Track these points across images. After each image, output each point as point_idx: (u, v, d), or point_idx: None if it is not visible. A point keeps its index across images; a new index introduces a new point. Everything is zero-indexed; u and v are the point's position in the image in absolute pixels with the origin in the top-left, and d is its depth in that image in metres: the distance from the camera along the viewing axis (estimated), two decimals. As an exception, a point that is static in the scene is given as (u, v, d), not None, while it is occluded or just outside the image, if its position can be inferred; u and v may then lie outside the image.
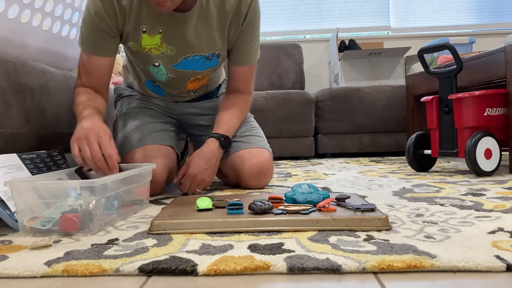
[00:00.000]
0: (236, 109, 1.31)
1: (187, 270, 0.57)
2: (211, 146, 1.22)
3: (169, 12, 1.10)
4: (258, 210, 0.80)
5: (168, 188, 1.37)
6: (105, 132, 0.98)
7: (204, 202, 0.88)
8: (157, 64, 1.23)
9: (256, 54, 1.31)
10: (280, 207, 0.83)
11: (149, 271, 0.57)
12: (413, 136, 1.71)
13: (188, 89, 1.37)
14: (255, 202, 0.82)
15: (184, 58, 1.22)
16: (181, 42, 1.18)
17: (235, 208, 0.82)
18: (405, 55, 2.87)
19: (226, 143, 1.24)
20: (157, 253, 0.64)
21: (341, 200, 0.88)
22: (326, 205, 0.83)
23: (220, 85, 1.51)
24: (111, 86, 1.88)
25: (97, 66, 1.18)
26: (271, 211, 0.82)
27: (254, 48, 1.29)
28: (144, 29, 1.15)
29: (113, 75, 2.25)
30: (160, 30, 1.15)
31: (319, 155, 2.77)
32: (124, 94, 1.45)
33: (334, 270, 0.56)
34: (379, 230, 0.74)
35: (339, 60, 2.85)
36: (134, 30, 1.15)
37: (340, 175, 1.63)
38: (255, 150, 1.29)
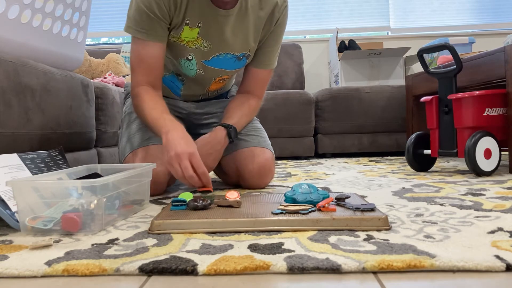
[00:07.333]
0: (246, 108, 1.31)
1: (187, 269, 0.57)
2: (218, 133, 1.22)
3: (212, 8, 1.14)
4: (201, 207, 0.86)
5: (169, 188, 1.37)
6: (194, 149, 1.03)
7: (186, 196, 0.95)
8: (190, 57, 1.23)
9: (276, 60, 1.34)
10: (280, 207, 0.83)
11: (149, 270, 0.58)
12: (413, 136, 1.71)
13: (210, 90, 1.38)
14: (196, 199, 0.88)
15: (217, 55, 1.24)
16: (218, 38, 1.20)
17: (179, 204, 0.88)
18: (404, 55, 2.87)
19: (233, 133, 1.24)
20: (157, 253, 0.64)
21: (341, 200, 0.88)
22: (326, 205, 0.83)
23: (229, 89, 1.53)
24: (114, 87, 1.89)
25: (150, 53, 1.16)
26: (210, 206, 0.88)
27: (276, 53, 1.32)
28: (187, 22, 1.16)
29: (113, 75, 2.26)
30: (200, 24, 1.17)
31: (319, 155, 2.77)
32: None
33: (334, 270, 0.56)
34: (378, 230, 0.74)
35: (339, 60, 2.85)
36: (180, 22, 1.16)
37: (340, 175, 1.63)
38: (258, 149, 1.29)
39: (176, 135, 1.05)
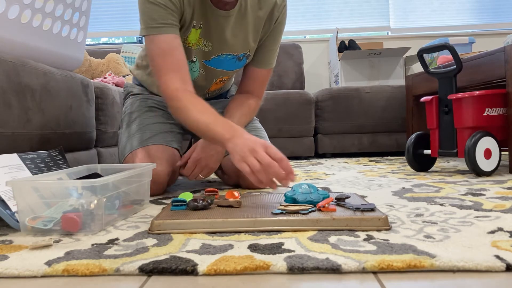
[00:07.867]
0: (246, 108, 1.31)
1: (187, 269, 0.57)
2: None
3: (212, 9, 1.14)
4: (201, 207, 0.85)
5: (169, 188, 1.37)
6: (266, 142, 0.95)
7: (186, 196, 0.95)
8: (194, 59, 1.24)
9: (275, 59, 1.34)
10: (280, 207, 0.83)
11: (149, 270, 0.58)
12: (413, 136, 1.71)
13: (210, 90, 1.38)
14: (196, 199, 0.87)
15: (217, 56, 1.24)
16: (219, 39, 1.20)
17: (179, 204, 0.88)
18: (404, 55, 2.87)
19: None
20: (157, 253, 0.64)
21: (341, 200, 0.88)
22: (326, 205, 0.83)
23: (229, 89, 1.53)
24: (114, 87, 1.89)
25: (172, 46, 1.10)
26: (210, 206, 0.88)
27: (275, 53, 1.32)
28: (194, 24, 1.16)
29: (113, 75, 2.26)
30: (201, 25, 1.17)
31: (319, 155, 2.77)
32: (134, 92, 1.43)
33: (334, 270, 0.56)
34: (378, 230, 0.74)
35: (339, 60, 2.85)
36: (187, 24, 1.16)
37: (340, 175, 1.63)
38: None
39: (243, 137, 0.98)
